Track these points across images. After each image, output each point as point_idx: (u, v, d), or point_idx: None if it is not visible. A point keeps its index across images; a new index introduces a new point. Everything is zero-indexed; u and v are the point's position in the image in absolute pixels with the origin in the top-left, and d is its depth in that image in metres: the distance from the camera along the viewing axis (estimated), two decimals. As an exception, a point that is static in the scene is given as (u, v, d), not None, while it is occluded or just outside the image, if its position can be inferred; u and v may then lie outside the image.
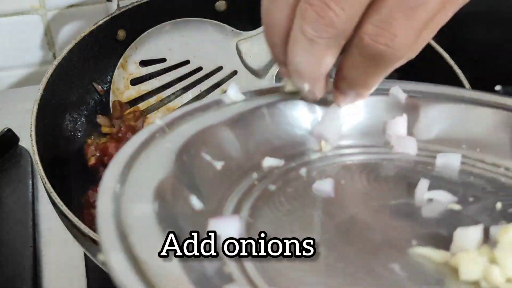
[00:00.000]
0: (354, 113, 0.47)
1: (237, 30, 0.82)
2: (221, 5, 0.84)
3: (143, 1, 0.79)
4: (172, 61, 0.82)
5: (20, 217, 0.77)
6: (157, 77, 0.83)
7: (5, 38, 0.96)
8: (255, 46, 0.81)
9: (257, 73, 0.81)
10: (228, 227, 0.34)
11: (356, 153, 0.46)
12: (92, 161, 0.76)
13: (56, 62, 0.71)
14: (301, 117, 0.45)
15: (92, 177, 0.75)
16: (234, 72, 0.82)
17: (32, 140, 0.63)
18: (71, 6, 0.95)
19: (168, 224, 0.32)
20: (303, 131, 0.46)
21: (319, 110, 0.45)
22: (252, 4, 0.84)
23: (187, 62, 0.83)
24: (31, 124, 0.65)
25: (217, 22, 0.82)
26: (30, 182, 0.82)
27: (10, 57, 0.98)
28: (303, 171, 0.43)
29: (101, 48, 0.78)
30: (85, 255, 0.73)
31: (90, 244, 0.56)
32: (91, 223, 0.67)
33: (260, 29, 0.80)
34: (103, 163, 0.76)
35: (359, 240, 0.37)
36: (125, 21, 0.79)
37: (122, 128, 0.78)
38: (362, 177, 0.44)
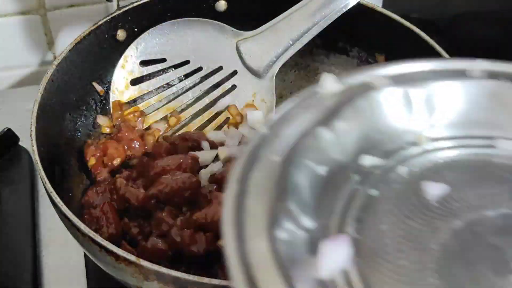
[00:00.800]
0: (452, 99, 0.44)
1: (237, 30, 0.82)
2: (221, 5, 0.84)
3: (143, 1, 0.79)
4: (172, 61, 0.82)
5: (20, 217, 0.77)
6: (157, 77, 0.83)
7: (5, 38, 0.96)
8: (255, 46, 0.81)
9: (257, 73, 0.81)
10: (338, 251, 0.35)
11: (455, 147, 0.44)
12: (92, 161, 0.76)
13: (56, 62, 0.71)
14: (397, 108, 0.44)
15: (92, 177, 0.75)
16: (234, 72, 0.83)
17: (32, 140, 0.63)
18: (71, 6, 0.95)
19: (286, 262, 0.33)
20: (401, 123, 0.44)
21: (415, 97, 0.44)
22: (252, 4, 0.84)
23: (187, 62, 0.83)
24: (31, 124, 0.64)
25: (217, 22, 0.82)
26: (30, 182, 0.82)
27: (10, 57, 0.98)
28: (403, 170, 0.42)
29: (101, 48, 0.78)
30: (85, 255, 0.73)
31: (90, 244, 0.56)
32: (91, 223, 0.67)
33: (260, 29, 0.80)
34: (103, 163, 0.76)
35: (460, 263, 0.36)
36: (125, 21, 0.79)
37: (122, 128, 0.78)
38: (464, 178, 0.41)
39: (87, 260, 0.73)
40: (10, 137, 0.85)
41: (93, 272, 0.72)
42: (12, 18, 0.94)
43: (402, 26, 0.77)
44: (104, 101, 0.81)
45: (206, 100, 0.84)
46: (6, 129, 0.85)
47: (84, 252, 0.73)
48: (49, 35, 0.98)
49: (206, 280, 0.50)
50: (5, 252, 0.73)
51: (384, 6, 0.80)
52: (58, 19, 0.96)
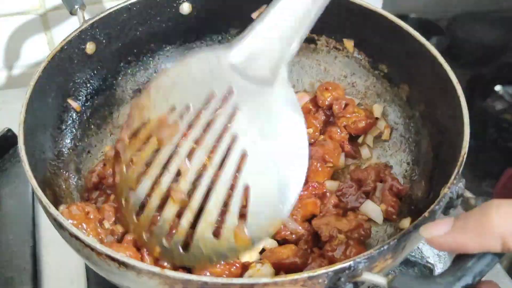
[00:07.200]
0: None
1: (224, 44, 0.67)
2: (185, 7, 0.82)
3: (108, 12, 0.77)
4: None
5: (20, 217, 0.77)
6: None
7: (5, 38, 0.96)
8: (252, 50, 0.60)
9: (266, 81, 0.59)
10: None
11: None
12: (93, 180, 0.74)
13: (32, 82, 0.69)
14: None
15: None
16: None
17: (21, 154, 0.61)
18: (71, 6, 0.95)
19: None
20: None
21: None
22: (217, 4, 0.83)
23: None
24: (19, 142, 0.62)
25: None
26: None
27: (10, 57, 0.99)
28: None
29: (72, 64, 0.76)
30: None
31: (78, 243, 0.55)
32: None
33: (248, 29, 0.60)
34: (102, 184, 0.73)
35: None
36: (93, 34, 0.77)
37: None
38: None
39: (87, 260, 0.73)
40: (10, 137, 0.86)
41: (93, 272, 0.72)
42: (12, 18, 0.94)
43: (371, 11, 0.76)
44: (83, 118, 0.79)
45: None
46: (6, 129, 0.85)
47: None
48: (49, 35, 0.98)
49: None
50: (5, 252, 0.73)
51: (384, 6, 0.80)
52: (58, 19, 0.96)
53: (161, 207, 0.59)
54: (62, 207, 0.64)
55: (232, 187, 0.58)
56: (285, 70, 0.59)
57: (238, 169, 0.57)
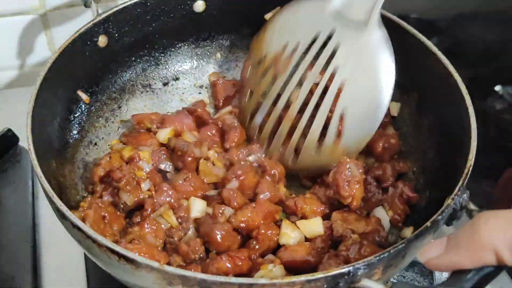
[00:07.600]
0: None
1: None
2: (199, 5, 0.83)
3: (122, 6, 0.78)
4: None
5: (20, 217, 0.78)
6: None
7: (5, 38, 0.96)
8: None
9: (363, 23, 0.72)
10: None
11: None
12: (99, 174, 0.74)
13: (42, 73, 0.69)
14: None
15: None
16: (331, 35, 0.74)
17: (29, 146, 0.62)
18: (71, 6, 0.95)
19: None
20: None
21: None
22: (231, 2, 0.84)
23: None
24: (27, 136, 0.63)
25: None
26: (30, 182, 0.82)
27: (10, 57, 0.98)
28: None
29: (84, 56, 0.76)
30: (85, 255, 0.73)
31: (80, 234, 0.55)
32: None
33: None
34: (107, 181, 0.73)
35: None
36: (106, 27, 0.78)
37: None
38: None
39: (87, 260, 0.73)
40: (10, 137, 0.86)
41: (93, 272, 0.72)
42: (12, 18, 0.94)
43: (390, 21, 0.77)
44: (91, 110, 0.80)
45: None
46: (6, 129, 0.85)
47: (84, 252, 0.73)
48: (49, 35, 0.98)
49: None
50: (5, 252, 0.73)
51: (383, 6, 0.80)
52: (58, 19, 0.96)
53: (276, 126, 0.76)
54: (76, 213, 0.64)
55: (331, 111, 0.72)
56: (377, 13, 0.71)
57: (337, 96, 0.71)
